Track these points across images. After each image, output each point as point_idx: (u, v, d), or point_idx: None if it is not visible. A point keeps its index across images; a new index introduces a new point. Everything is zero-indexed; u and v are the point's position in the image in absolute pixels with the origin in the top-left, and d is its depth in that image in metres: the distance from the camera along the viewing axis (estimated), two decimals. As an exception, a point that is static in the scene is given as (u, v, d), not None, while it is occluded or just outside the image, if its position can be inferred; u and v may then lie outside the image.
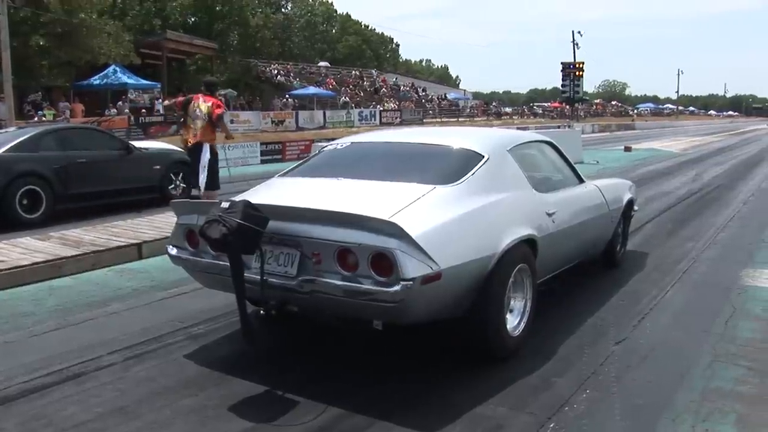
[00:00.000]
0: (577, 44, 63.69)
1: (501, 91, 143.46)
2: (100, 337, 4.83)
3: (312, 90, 44.00)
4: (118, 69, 30.39)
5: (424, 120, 46.46)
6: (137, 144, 12.08)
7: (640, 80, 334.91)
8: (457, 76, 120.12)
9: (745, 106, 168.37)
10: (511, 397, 3.78)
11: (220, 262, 4.03)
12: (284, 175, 5.27)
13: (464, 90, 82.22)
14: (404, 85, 59.49)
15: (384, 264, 3.56)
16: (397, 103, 50.32)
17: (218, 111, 9.38)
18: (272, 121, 33.62)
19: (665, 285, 6.15)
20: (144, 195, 11.39)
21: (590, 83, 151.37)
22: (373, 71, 61.92)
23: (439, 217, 3.99)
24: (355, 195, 4.36)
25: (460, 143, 5.02)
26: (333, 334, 4.91)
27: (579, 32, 62.95)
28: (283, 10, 58.63)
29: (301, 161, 5.64)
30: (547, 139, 6.11)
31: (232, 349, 4.59)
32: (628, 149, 25.34)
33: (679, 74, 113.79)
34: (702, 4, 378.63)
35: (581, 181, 5.99)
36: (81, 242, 7.56)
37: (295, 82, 45.75)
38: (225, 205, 3.77)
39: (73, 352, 4.51)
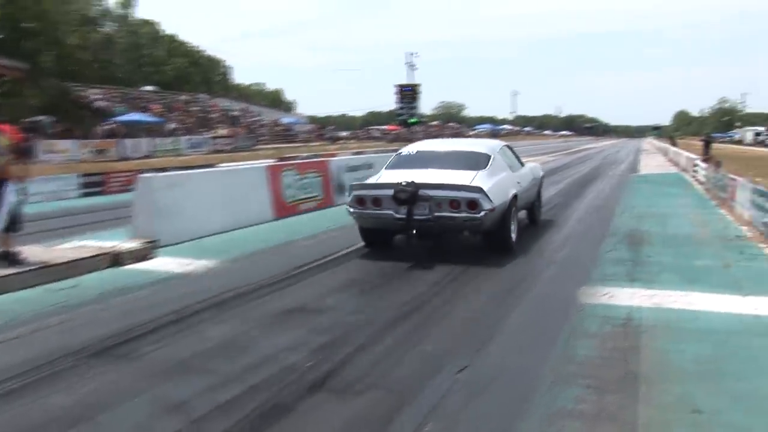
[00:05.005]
0: (413, 66, 65.85)
1: (337, 114, 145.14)
2: None
3: (137, 116, 42.46)
4: None
5: (258, 146, 46.04)
6: None
7: (478, 101, 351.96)
8: (294, 100, 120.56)
9: (577, 125, 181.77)
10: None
11: (377, 212, 8.63)
12: (388, 168, 9.50)
13: (298, 114, 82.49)
14: (237, 111, 58.80)
15: (473, 205, 8.16)
16: (230, 129, 49.59)
17: (23, 143, 8.22)
18: (93, 151, 31.96)
19: (506, 308, 6.35)
20: None
21: (427, 105, 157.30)
22: (204, 96, 60.75)
23: (488, 183, 8.51)
24: (444, 175, 8.75)
25: (477, 149, 9.92)
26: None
27: (414, 54, 65.19)
28: (103, 29, 56.04)
29: (390, 161, 9.92)
30: (508, 143, 11.42)
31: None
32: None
33: (514, 95, 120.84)
34: (535, 26, 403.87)
35: (523, 165, 10.98)
36: None
37: (117, 108, 43.91)
38: (404, 183, 8.25)
39: None
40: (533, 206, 11.37)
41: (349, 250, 9.32)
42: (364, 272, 8.07)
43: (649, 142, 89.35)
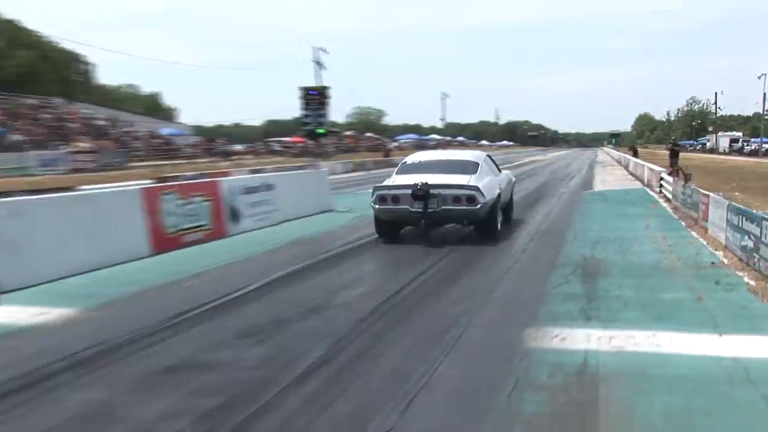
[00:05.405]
0: (321, 64, 65.86)
1: (230, 124, 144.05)
2: None
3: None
4: None
5: (131, 163, 45.26)
6: None
7: (401, 106, 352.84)
8: (176, 107, 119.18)
9: (519, 133, 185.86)
10: None
11: (395, 207, 13.26)
12: (399, 174, 14.25)
13: (181, 124, 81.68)
14: (103, 119, 57.75)
15: (471, 199, 12.91)
16: (94, 142, 48.62)
17: None
18: None
19: (435, 358, 6.33)
20: None
21: (340, 112, 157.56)
22: (59, 100, 59.33)
23: (480, 183, 13.27)
24: (447, 178, 13.29)
25: (467, 158, 15.08)
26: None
27: (322, 49, 65.27)
28: None
29: (398, 168, 14.80)
30: (489, 153, 16.81)
31: None
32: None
33: (444, 99, 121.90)
34: (467, 16, 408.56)
35: (500, 171, 15.99)
36: None
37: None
38: (419, 184, 12.79)
39: None
40: (507, 206, 15.99)
41: (246, 290, 9.26)
42: (264, 316, 8.00)
43: (607, 152, 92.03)
